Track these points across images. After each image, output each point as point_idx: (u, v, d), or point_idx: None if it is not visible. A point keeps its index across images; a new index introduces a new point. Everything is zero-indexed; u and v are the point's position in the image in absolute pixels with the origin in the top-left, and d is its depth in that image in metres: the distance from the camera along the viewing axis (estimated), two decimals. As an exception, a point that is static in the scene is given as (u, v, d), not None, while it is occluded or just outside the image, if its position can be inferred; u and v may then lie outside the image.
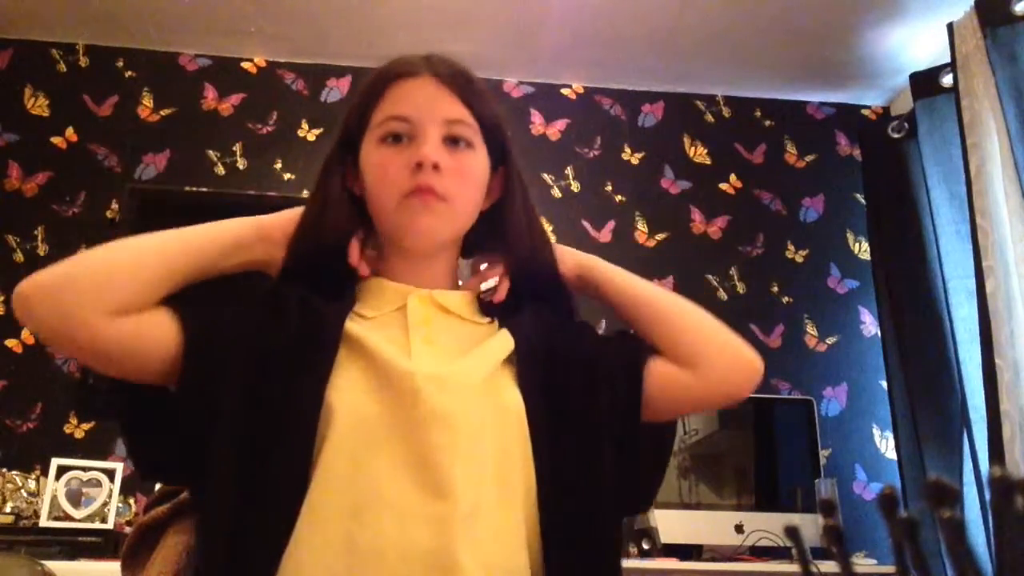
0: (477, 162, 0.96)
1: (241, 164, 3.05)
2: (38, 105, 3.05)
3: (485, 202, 0.99)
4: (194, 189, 2.99)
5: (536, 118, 3.21)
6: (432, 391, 0.83)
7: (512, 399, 0.87)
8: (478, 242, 1.03)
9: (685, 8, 2.82)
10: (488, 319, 0.97)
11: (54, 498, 2.29)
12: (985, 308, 2.25)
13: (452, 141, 0.93)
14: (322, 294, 0.91)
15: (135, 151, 3.03)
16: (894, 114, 3.13)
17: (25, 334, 2.80)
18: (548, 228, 3.06)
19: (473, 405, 0.85)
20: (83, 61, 3.12)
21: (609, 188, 3.16)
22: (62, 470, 2.34)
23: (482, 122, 0.96)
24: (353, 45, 3.03)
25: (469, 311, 0.97)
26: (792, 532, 0.41)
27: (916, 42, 2.90)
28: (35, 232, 2.91)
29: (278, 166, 3.06)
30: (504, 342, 0.91)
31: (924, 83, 2.70)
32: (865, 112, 3.33)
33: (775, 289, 3.10)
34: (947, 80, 2.60)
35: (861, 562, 2.44)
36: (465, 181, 0.94)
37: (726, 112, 3.29)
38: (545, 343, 0.93)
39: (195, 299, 0.87)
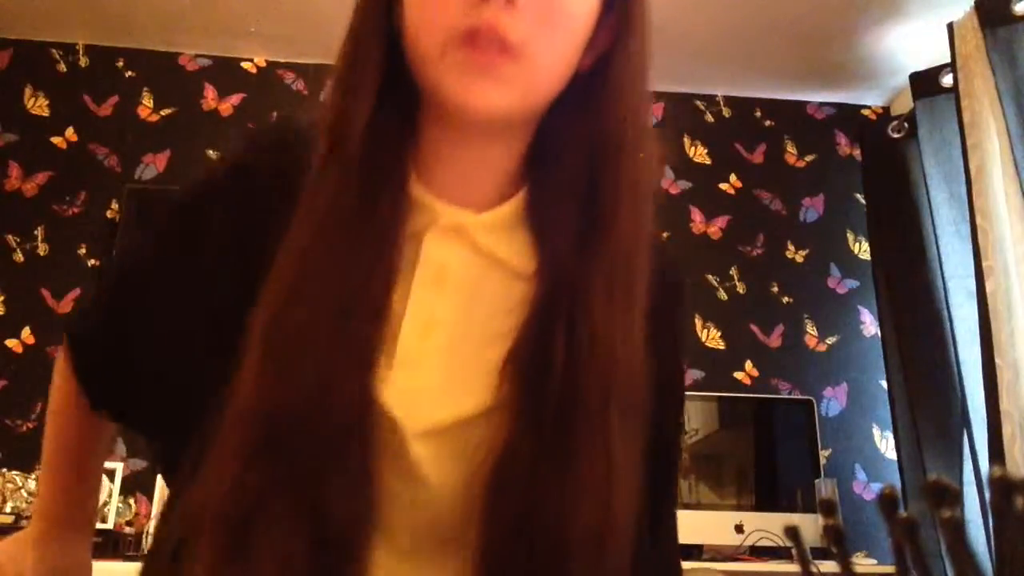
0: None
1: (241, 164, 3.05)
2: (38, 105, 3.05)
3: (585, 58, 0.64)
4: (194, 189, 2.99)
5: (536, 118, 3.21)
6: (398, 440, 0.61)
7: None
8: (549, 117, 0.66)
9: (685, 8, 2.82)
10: (534, 268, 0.65)
11: (54, 498, 2.29)
12: (985, 308, 2.25)
13: None
14: None
15: (135, 151, 3.03)
16: (894, 114, 3.13)
17: (25, 334, 2.80)
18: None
19: (448, 454, 0.62)
20: (83, 61, 3.12)
21: (609, 188, 3.15)
22: (62, 470, 2.34)
23: None
24: (353, 45, 3.02)
25: (515, 248, 0.66)
26: (792, 532, 0.40)
27: (916, 42, 2.90)
28: (35, 232, 2.91)
29: (278, 166, 3.06)
30: None
31: (924, 83, 2.70)
32: (865, 112, 3.33)
33: (775, 289, 3.10)
34: (947, 80, 2.60)
35: (861, 562, 2.44)
36: (556, 26, 0.60)
37: (726, 112, 3.29)
38: None
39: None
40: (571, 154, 0.65)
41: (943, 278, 2.52)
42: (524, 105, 0.62)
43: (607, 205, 0.63)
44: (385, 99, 0.62)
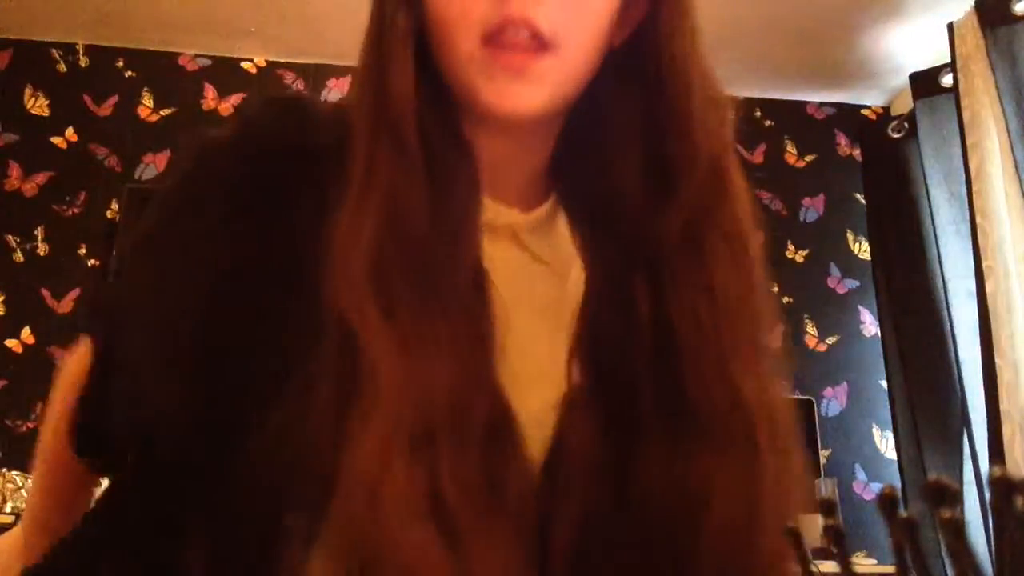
0: None
1: (241, 164, 3.05)
2: (38, 105, 3.05)
3: (618, 34, 0.61)
4: (194, 189, 2.99)
5: (536, 118, 3.21)
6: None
7: None
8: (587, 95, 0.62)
9: (685, 8, 2.82)
10: (577, 266, 0.64)
11: (54, 498, 2.29)
12: (985, 308, 2.25)
13: None
14: None
15: (135, 151, 3.03)
16: (894, 114, 3.13)
17: (25, 334, 2.80)
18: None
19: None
20: (83, 61, 3.12)
21: (609, 188, 3.16)
22: (62, 470, 2.34)
23: None
24: (353, 45, 3.00)
25: (555, 247, 0.65)
26: (792, 532, 0.40)
27: (916, 42, 2.90)
28: (35, 232, 2.91)
29: (278, 166, 3.06)
30: None
31: (924, 83, 2.70)
32: (865, 112, 3.33)
33: (775, 289, 3.09)
34: (947, 80, 2.60)
35: (861, 562, 2.44)
36: (585, 10, 0.57)
37: (726, 112, 3.29)
38: None
39: None
40: (618, 133, 0.61)
41: (943, 278, 2.52)
42: (557, 98, 0.59)
43: (677, 163, 0.58)
44: (423, 93, 0.57)
